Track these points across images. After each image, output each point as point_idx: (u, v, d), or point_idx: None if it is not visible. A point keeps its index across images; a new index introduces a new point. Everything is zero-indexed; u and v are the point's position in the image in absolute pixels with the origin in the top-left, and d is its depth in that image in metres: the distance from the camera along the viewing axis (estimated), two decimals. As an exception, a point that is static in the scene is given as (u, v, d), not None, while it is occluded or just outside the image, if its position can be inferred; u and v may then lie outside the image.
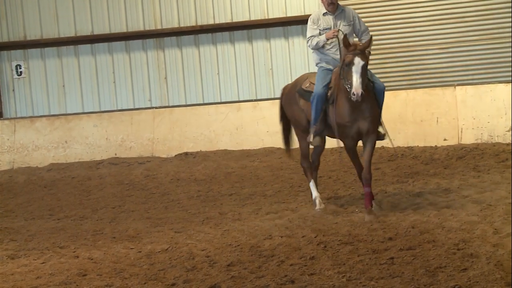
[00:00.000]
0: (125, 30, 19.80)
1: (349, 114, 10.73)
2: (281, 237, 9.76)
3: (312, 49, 11.48)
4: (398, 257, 8.29)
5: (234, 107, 18.31)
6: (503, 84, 16.69)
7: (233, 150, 17.37)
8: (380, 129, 11.19)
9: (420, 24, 18.26)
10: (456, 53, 18.15)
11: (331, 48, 11.30)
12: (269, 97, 18.39)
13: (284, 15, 18.68)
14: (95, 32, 20.00)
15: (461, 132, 16.62)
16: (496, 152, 15.12)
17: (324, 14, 11.38)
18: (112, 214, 12.55)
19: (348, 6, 12.06)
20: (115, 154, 18.54)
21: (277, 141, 16.94)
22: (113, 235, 10.82)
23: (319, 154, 12.09)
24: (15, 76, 20.36)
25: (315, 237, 9.53)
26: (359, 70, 10.22)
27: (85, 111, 19.91)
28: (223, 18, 19.17)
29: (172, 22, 19.47)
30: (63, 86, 20.30)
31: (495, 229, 9.09)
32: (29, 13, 20.29)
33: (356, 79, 10.16)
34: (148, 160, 17.88)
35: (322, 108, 11.05)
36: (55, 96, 20.40)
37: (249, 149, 17.27)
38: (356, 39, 11.28)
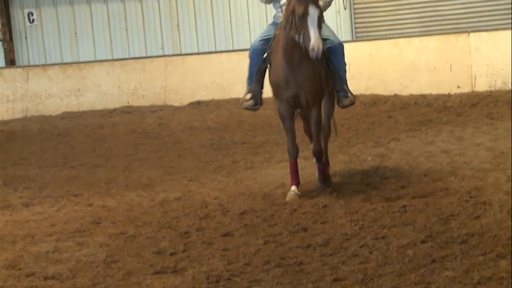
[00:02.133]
0: (137, -23, 19.71)
1: (284, 72, 9.25)
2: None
3: (262, 2, 10.14)
4: (411, 205, 8.30)
5: (246, 55, 18.19)
6: (518, 30, 16.53)
7: (246, 98, 17.34)
8: (348, 92, 9.66)
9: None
10: (470, -2, 18.01)
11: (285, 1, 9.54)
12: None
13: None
14: (107, -21, 19.89)
15: (475, 79, 16.50)
16: (510, 99, 15.02)
17: None
18: (125, 163, 12.58)
19: None
20: (128, 103, 18.52)
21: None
22: (127, 184, 10.86)
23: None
24: (27, 23, 20.32)
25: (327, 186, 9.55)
26: (315, 21, 8.71)
27: (97, 59, 19.89)
28: (235, -36, 19.05)
29: (185, -32, 19.35)
30: (75, 33, 20.25)
31: (508, 176, 9.08)
32: (41, -41, 20.19)
33: (313, 32, 8.63)
34: (161, 108, 17.87)
35: (258, 65, 9.70)
36: (67, 43, 20.38)
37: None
38: None
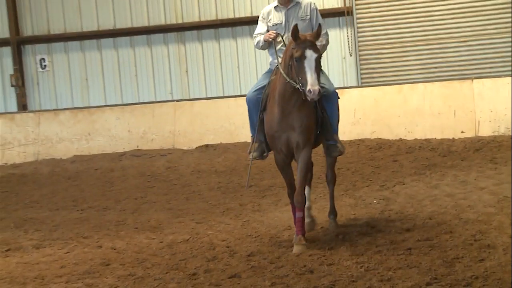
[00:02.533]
0: (146, 24, 19.88)
1: (278, 122, 8.93)
2: (300, 227, 9.76)
3: (258, 49, 9.75)
4: (416, 248, 8.28)
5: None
6: (520, 77, 16.60)
7: (253, 143, 17.37)
8: (337, 142, 9.25)
9: (438, 18, 18.27)
10: (474, 46, 18.17)
11: (281, 47, 9.34)
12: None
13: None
14: (117, 26, 20.08)
15: (478, 124, 16.55)
16: (512, 144, 15.04)
17: (275, 8, 9.60)
18: (135, 205, 12.60)
19: None
20: (137, 146, 18.59)
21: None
22: (136, 226, 10.86)
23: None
24: (39, 69, 20.45)
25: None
26: (313, 64, 8.44)
27: (108, 103, 20.00)
28: (243, 12, 19.21)
29: (192, 16, 19.54)
30: (86, 79, 20.39)
31: (512, 220, 9.07)
32: (53, 8, 20.40)
33: (311, 74, 8.35)
34: (170, 152, 17.91)
35: (257, 115, 9.32)
36: (78, 89, 20.51)
37: (268, 142, 17.26)
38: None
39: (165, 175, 15.47)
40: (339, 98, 9.47)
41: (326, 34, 9.42)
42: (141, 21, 19.90)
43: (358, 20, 18.38)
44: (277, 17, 9.51)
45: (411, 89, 17.10)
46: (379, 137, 16.64)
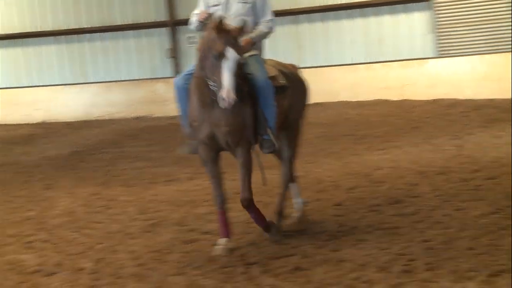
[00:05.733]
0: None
1: (197, 113, 6.29)
2: (389, 168, 9.60)
3: (193, 29, 6.87)
4: (483, 185, 8.05)
5: (350, 68, 18.03)
6: None
7: (351, 101, 17.11)
8: (271, 137, 6.47)
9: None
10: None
11: None
12: (379, 60, 17.95)
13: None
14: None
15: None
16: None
17: None
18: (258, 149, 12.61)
19: None
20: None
21: (386, 94, 16.73)
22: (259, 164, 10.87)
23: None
24: (188, 44, 20.67)
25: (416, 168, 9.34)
26: (232, 66, 5.86)
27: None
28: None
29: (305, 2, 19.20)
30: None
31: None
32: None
33: (227, 79, 5.79)
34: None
35: (186, 105, 6.50)
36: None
37: (363, 101, 16.96)
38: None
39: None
40: (281, 88, 6.61)
41: (271, 21, 6.68)
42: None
43: (436, 4, 17.72)
44: None
45: (479, 59, 16.51)
46: (452, 98, 16.14)
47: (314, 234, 6.71)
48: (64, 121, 17.90)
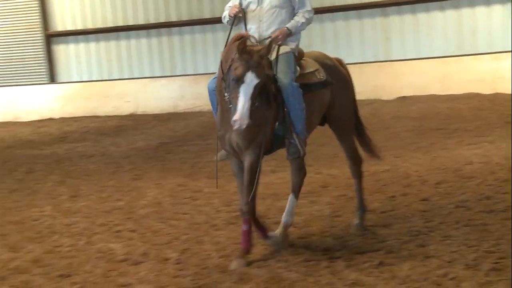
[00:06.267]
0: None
1: (220, 120, 6.08)
2: (479, 163, 9.34)
3: (226, 24, 6.58)
4: None
5: (440, 61, 17.64)
6: None
7: (441, 95, 16.74)
8: (297, 143, 6.20)
9: None
10: None
11: (252, 26, 6.31)
12: (470, 53, 17.49)
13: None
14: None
15: None
16: None
17: None
18: (345, 142, 12.50)
19: None
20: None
21: (478, 87, 16.28)
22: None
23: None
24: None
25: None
26: (250, 91, 5.57)
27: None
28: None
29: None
30: (310, 45, 20.38)
31: None
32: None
33: (243, 103, 5.53)
34: (373, 102, 17.66)
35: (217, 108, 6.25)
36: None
37: (454, 94, 16.57)
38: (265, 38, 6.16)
39: (369, 120, 15.03)
40: (309, 90, 6.21)
41: (308, 12, 6.29)
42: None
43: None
44: None
45: None
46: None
47: (400, 229, 6.62)
48: (152, 113, 18.28)
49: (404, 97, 17.50)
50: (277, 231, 6.41)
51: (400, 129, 13.49)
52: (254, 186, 5.93)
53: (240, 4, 6.36)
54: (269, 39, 5.93)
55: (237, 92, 5.59)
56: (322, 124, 6.86)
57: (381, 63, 18.62)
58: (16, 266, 6.28)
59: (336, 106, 6.60)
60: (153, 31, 20.29)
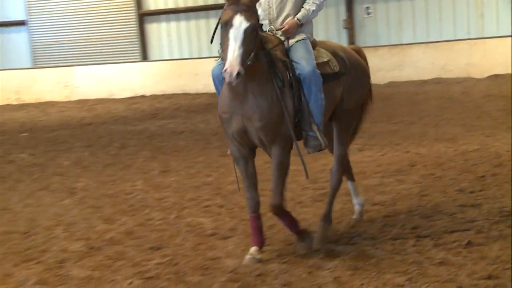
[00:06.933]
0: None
1: (227, 102, 5.46)
2: None
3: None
4: None
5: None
6: None
7: (536, 73, 16.17)
8: (317, 135, 5.52)
9: None
10: None
11: (261, 13, 5.67)
12: None
13: None
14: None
15: None
16: None
17: None
18: (434, 121, 12.26)
19: None
20: (438, 75, 18.11)
21: None
22: (435, 137, 10.61)
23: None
24: (365, 15, 20.52)
25: None
26: (240, 35, 5.01)
27: (416, 41, 19.64)
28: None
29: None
30: (400, 22, 20.07)
31: None
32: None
33: (232, 49, 4.97)
34: (465, 80, 17.24)
35: None
36: (393, 30, 20.29)
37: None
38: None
39: (460, 98, 14.89)
40: (333, 74, 5.75)
41: None
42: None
43: None
44: None
45: None
46: None
47: (490, 210, 6.46)
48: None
49: (496, 75, 16.98)
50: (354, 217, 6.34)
51: (491, 108, 13.11)
52: (283, 181, 5.46)
53: None
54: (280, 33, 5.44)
55: (227, 39, 5.03)
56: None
57: (474, 40, 18.11)
58: (110, 237, 6.49)
59: (345, 99, 5.96)
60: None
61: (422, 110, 13.83)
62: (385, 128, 12.00)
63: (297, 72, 5.40)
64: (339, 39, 20.44)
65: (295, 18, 5.62)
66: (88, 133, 13.82)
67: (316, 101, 5.45)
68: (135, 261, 5.73)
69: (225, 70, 4.92)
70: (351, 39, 20.61)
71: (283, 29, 5.58)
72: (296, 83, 5.40)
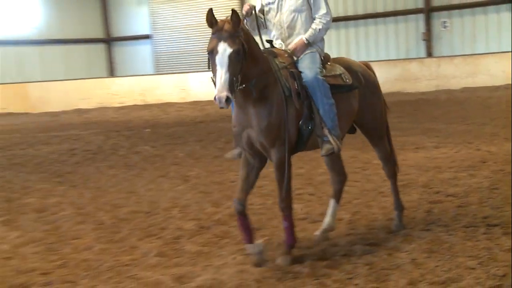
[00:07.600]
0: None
1: (235, 116, 5.17)
2: None
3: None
4: None
5: None
6: None
7: None
8: (330, 139, 5.13)
9: None
10: None
11: (275, 33, 5.43)
12: None
13: None
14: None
15: None
16: None
17: None
18: (504, 123, 11.68)
19: None
20: (509, 82, 17.44)
21: None
22: (505, 137, 10.15)
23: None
24: (442, 28, 20.07)
25: None
26: (225, 61, 4.61)
27: (490, 51, 19.05)
28: None
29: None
30: (474, 35, 19.51)
31: None
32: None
33: (219, 75, 4.59)
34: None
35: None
36: (468, 41, 19.72)
37: None
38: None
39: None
40: (334, 85, 5.25)
41: (324, 16, 5.36)
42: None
43: None
44: None
45: None
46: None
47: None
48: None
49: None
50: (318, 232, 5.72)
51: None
52: (286, 182, 5.09)
53: (262, 10, 5.41)
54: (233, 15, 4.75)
55: (215, 66, 4.65)
56: (352, 131, 5.80)
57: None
58: (218, 218, 6.59)
59: (365, 111, 5.59)
60: (332, 24, 20.42)
61: (493, 113, 13.33)
62: (459, 128, 11.64)
63: (303, 80, 5.12)
64: (418, 50, 20.10)
65: (303, 38, 5.28)
66: (200, 129, 14.08)
67: (323, 106, 5.10)
68: (238, 240, 5.79)
69: (215, 98, 4.56)
70: (429, 50, 20.19)
71: (292, 49, 5.27)
72: (304, 91, 5.11)
